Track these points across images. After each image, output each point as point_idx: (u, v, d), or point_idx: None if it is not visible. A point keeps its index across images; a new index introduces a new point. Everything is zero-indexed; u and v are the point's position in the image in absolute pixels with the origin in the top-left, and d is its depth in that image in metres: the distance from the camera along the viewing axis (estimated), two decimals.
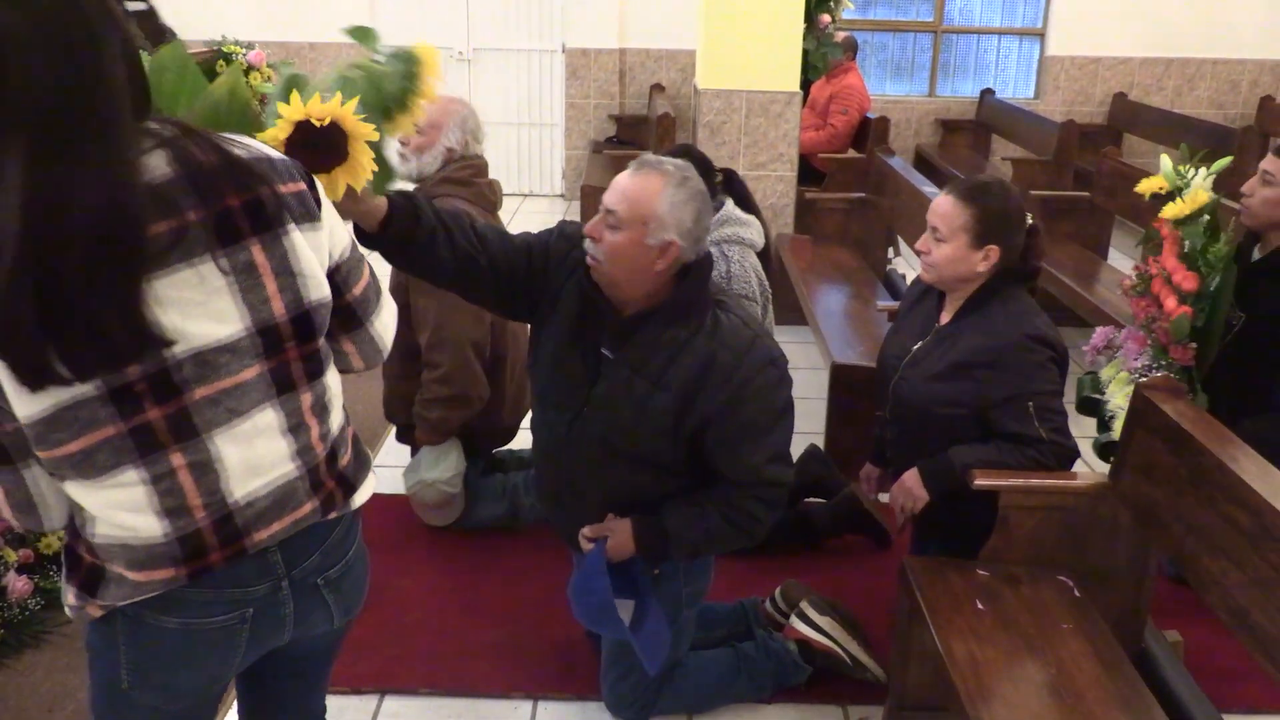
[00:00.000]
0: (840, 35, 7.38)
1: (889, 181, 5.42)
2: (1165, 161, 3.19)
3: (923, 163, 8.66)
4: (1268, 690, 2.83)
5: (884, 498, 2.97)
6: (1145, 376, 3.02)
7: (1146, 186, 3.14)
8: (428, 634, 3.04)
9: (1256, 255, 3.13)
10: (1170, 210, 3.02)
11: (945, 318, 2.71)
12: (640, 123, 8.52)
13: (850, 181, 6.16)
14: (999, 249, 2.57)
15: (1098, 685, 2.16)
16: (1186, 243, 2.99)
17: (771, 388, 2.33)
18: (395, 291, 3.43)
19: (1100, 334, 3.28)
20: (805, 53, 6.42)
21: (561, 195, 8.88)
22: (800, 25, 5.49)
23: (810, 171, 6.64)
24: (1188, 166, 3.11)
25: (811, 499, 3.60)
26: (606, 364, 2.37)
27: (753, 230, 3.20)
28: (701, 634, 2.84)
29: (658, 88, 8.58)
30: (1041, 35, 9.14)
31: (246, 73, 3.17)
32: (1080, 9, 8.91)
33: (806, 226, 5.79)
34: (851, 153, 7.05)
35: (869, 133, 6.86)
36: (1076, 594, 2.46)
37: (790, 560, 3.38)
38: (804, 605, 2.85)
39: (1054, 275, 5.13)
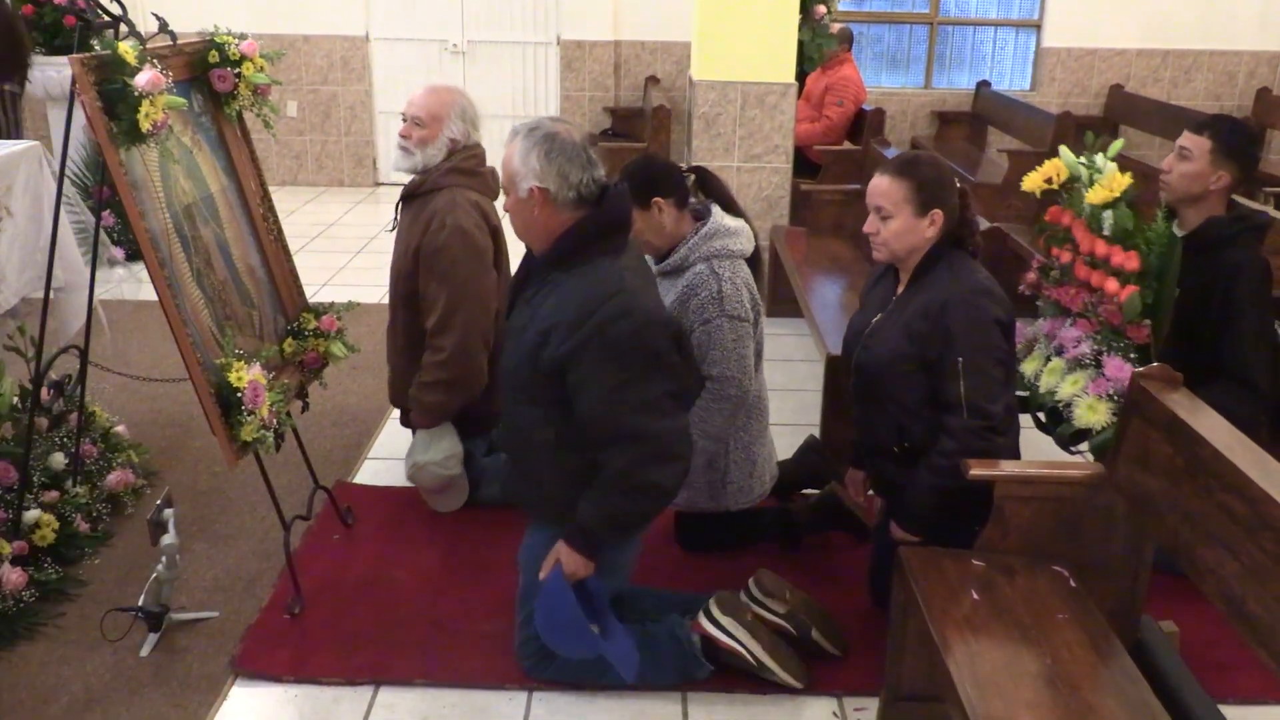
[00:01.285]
0: (836, 26, 7.37)
1: None
2: (1065, 151, 3.22)
3: None
4: (1263, 680, 2.83)
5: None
6: (1096, 363, 3.06)
7: (1032, 183, 3.18)
8: (422, 625, 3.03)
9: (1176, 231, 3.15)
10: (1096, 195, 3.07)
11: (901, 289, 2.83)
12: (635, 115, 8.51)
13: (845, 173, 6.16)
14: (942, 212, 2.70)
15: (1093, 675, 2.16)
16: (1109, 225, 3.02)
17: (624, 338, 2.41)
18: (403, 278, 3.46)
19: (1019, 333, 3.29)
20: (800, 44, 6.42)
21: None
22: (795, 16, 5.48)
23: (806, 163, 6.64)
24: (1090, 154, 3.15)
25: (809, 490, 3.60)
26: (519, 303, 2.63)
27: (742, 239, 3.15)
28: (624, 614, 2.85)
29: (653, 80, 8.56)
30: (1038, 27, 9.12)
31: (239, 62, 3.15)
32: (1076, 0, 8.89)
33: (802, 218, 5.78)
34: (847, 145, 7.05)
35: (864, 124, 6.85)
36: (1072, 584, 2.46)
37: (768, 553, 3.40)
38: (711, 604, 2.81)
39: None
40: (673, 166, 3.19)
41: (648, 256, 3.15)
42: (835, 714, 2.76)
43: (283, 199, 8.11)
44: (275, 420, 2.96)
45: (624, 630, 2.67)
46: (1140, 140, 8.87)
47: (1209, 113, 8.12)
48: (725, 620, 2.79)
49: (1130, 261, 2.96)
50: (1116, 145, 3.20)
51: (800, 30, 6.28)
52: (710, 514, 3.33)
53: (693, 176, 3.22)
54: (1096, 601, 2.42)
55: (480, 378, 3.47)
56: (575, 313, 2.43)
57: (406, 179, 3.57)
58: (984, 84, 8.98)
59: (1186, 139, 3.11)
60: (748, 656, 2.77)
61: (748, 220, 3.25)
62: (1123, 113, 8.83)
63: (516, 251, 2.90)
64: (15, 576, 3.03)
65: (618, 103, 8.71)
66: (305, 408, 3.38)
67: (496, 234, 3.55)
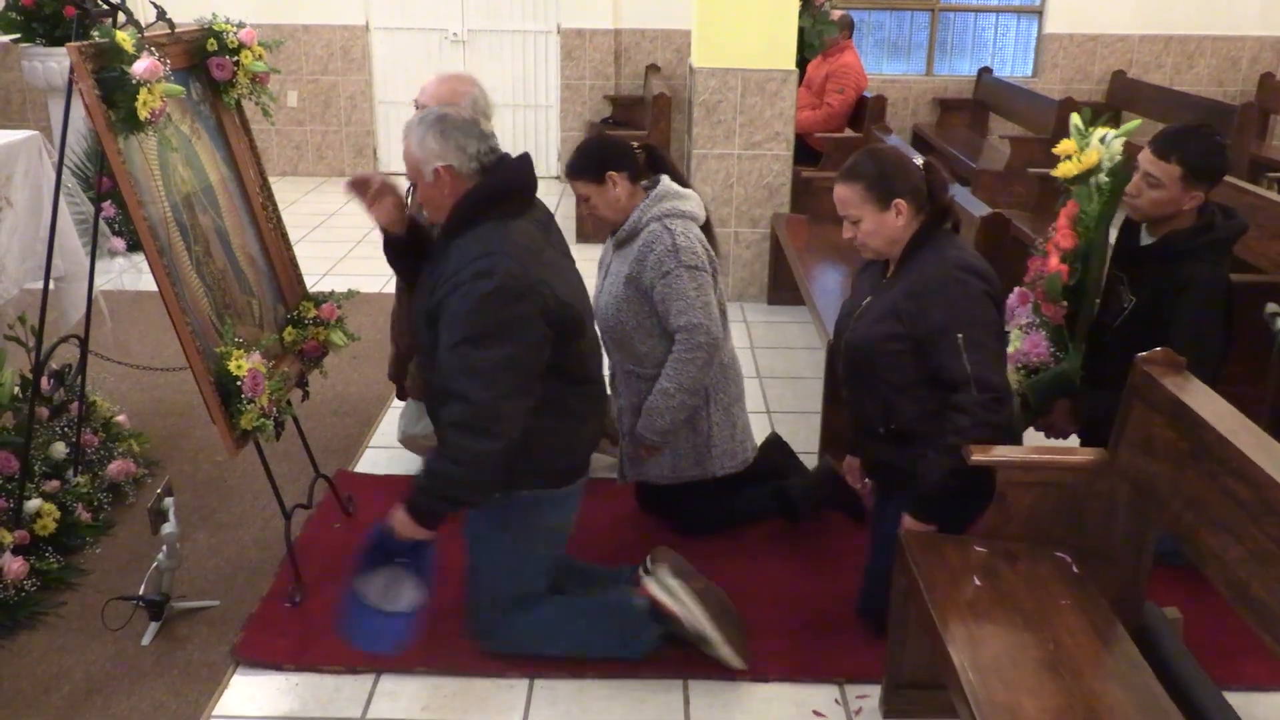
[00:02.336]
0: (836, 13, 7.35)
1: None
2: (1075, 119, 3.21)
3: (920, 142, 8.62)
4: (1267, 667, 2.82)
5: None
6: (1028, 333, 3.10)
7: (1065, 147, 3.18)
8: (423, 613, 3.02)
9: (1145, 238, 3.10)
10: (1062, 169, 3.09)
11: (889, 273, 2.81)
12: (636, 103, 8.49)
13: (847, 161, 6.13)
14: (904, 200, 2.68)
15: (1096, 661, 2.15)
16: (1078, 200, 3.07)
17: (478, 297, 2.42)
18: None
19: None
20: (801, 31, 6.39)
21: (557, 177, 8.85)
22: (796, 3, 5.46)
23: (807, 150, 6.62)
24: (1089, 127, 3.14)
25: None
26: (423, 275, 2.68)
27: (692, 203, 3.19)
28: (574, 590, 2.92)
29: (653, 68, 8.54)
30: (1039, 13, 9.09)
31: (238, 50, 3.14)
32: None
33: (803, 206, 5.76)
34: (848, 132, 7.03)
35: (865, 112, 6.83)
36: (1075, 570, 2.45)
37: (768, 539, 3.40)
38: (661, 567, 2.82)
39: None
40: (624, 142, 3.25)
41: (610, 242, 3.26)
42: (837, 701, 2.76)
43: (283, 189, 8.09)
44: (275, 409, 2.96)
45: (411, 620, 2.62)
46: (1143, 126, 8.79)
47: (1212, 98, 8.15)
48: (672, 583, 2.79)
49: (1066, 240, 2.99)
50: (1131, 125, 3.19)
51: (801, 17, 6.26)
52: (702, 495, 3.33)
53: (644, 154, 3.25)
54: (1099, 587, 2.41)
55: None
56: (453, 267, 2.48)
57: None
58: (986, 70, 8.95)
59: (1154, 166, 2.93)
60: (689, 625, 2.75)
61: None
62: (1125, 99, 8.79)
63: None
64: (17, 566, 3.03)
65: (618, 91, 8.69)
66: (306, 396, 3.37)
67: None
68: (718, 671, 2.82)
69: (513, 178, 2.63)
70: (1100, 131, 3.13)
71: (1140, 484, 2.39)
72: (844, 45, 7.22)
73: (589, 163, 3.15)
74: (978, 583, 2.40)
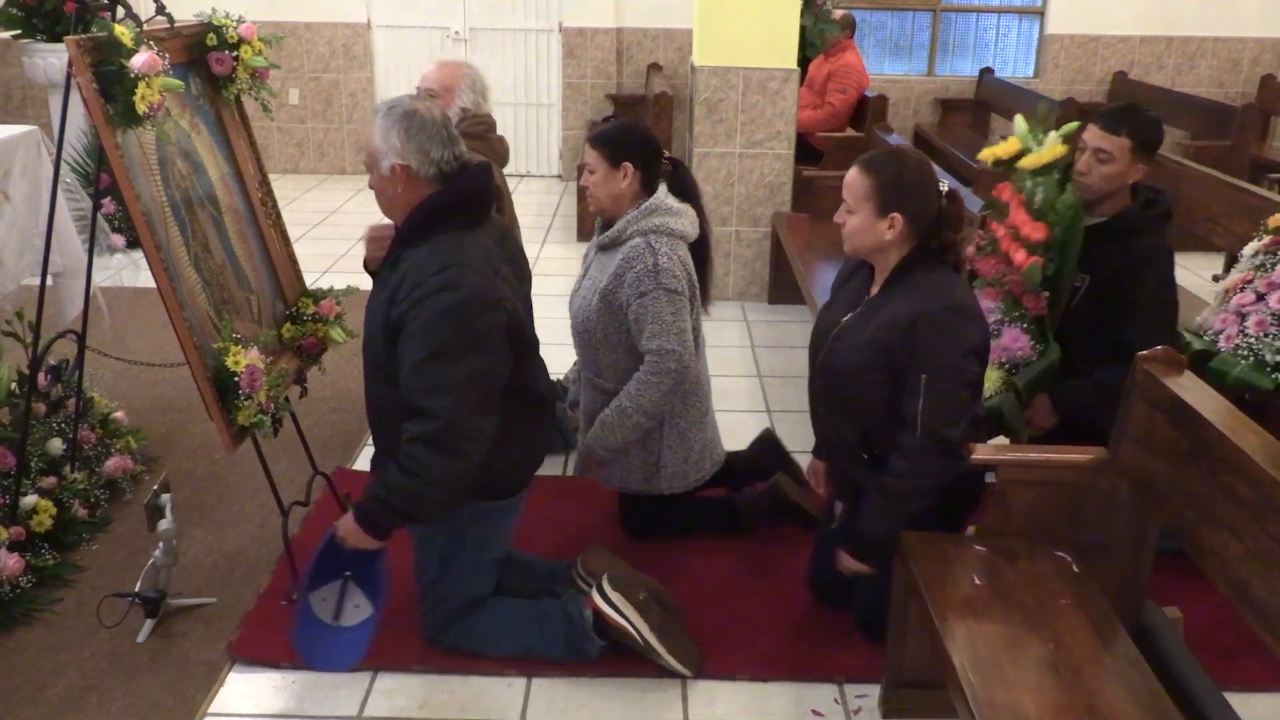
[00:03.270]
0: (838, 13, 7.33)
1: None
2: (1020, 122, 3.24)
3: (922, 142, 8.61)
4: (1268, 668, 2.81)
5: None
6: (997, 331, 3.11)
7: (993, 153, 3.22)
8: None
9: (1086, 220, 3.13)
10: (1028, 160, 3.10)
11: (874, 290, 2.71)
12: (637, 102, 8.48)
13: (848, 160, 6.05)
14: (902, 217, 2.56)
15: (1096, 660, 2.14)
16: (1037, 197, 3.07)
17: (443, 310, 2.37)
18: None
19: None
20: (803, 30, 6.38)
21: (559, 176, 8.84)
22: (798, 1, 5.44)
23: (808, 150, 6.61)
24: (1038, 131, 3.18)
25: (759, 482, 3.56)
26: (377, 282, 2.63)
27: (684, 220, 3.12)
28: (518, 584, 2.94)
29: (655, 67, 8.53)
30: (1041, 13, 9.08)
31: (237, 45, 3.13)
32: None
33: (804, 204, 5.75)
34: (849, 131, 7.02)
35: (867, 111, 6.82)
36: (1075, 569, 2.44)
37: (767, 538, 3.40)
38: (604, 580, 2.82)
39: None
40: (660, 147, 3.18)
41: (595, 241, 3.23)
42: (836, 700, 2.75)
43: (284, 187, 8.11)
44: (273, 405, 2.95)
45: (363, 635, 2.65)
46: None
47: (1213, 99, 8.14)
48: (615, 597, 2.77)
49: (1037, 232, 3.00)
50: (1070, 126, 3.21)
51: (802, 16, 6.24)
52: (652, 499, 3.32)
53: (670, 167, 3.20)
54: (1099, 586, 2.40)
55: None
56: (413, 279, 2.42)
57: None
58: (987, 71, 8.94)
59: (1103, 140, 3.02)
60: (635, 636, 2.75)
61: (700, 210, 3.23)
62: (1127, 99, 8.75)
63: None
64: (12, 562, 3.02)
65: (620, 90, 8.68)
66: (304, 393, 3.36)
67: (500, 194, 3.64)
68: (716, 670, 2.81)
69: (472, 188, 2.57)
70: (1039, 133, 3.19)
71: (1141, 482, 2.38)
72: (845, 45, 7.22)
73: (617, 142, 3.08)
74: (978, 581, 2.39)
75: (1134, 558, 2.50)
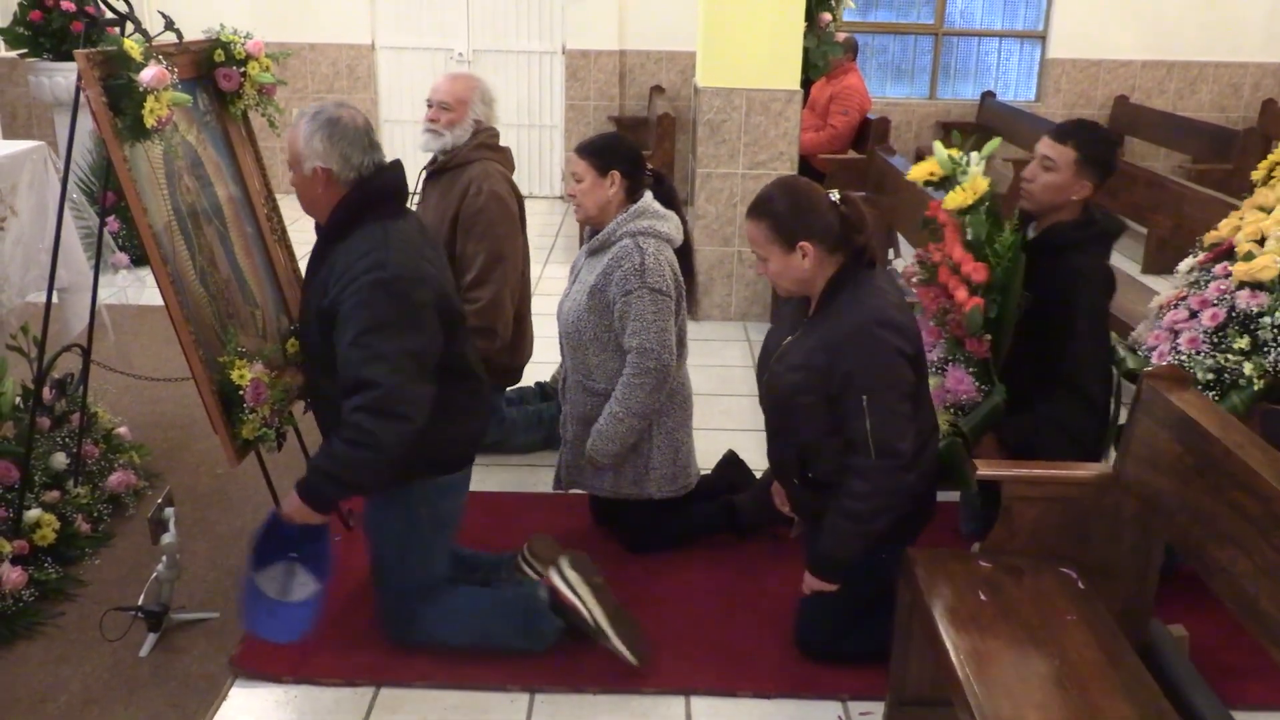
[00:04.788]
0: (841, 35, 7.37)
1: (889, 180, 5.41)
2: (938, 147, 3.23)
3: None
4: (1274, 688, 2.80)
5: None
6: (942, 371, 3.10)
7: (918, 173, 3.20)
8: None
9: (1031, 234, 3.14)
10: (953, 200, 3.09)
11: (810, 313, 2.73)
12: (640, 124, 8.51)
13: (850, 182, 6.13)
14: (810, 243, 2.59)
15: (1102, 676, 2.13)
16: (969, 231, 3.03)
17: (373, 288, 2.49)
18: (439, 243, 3.61)
19: None
20: (805, 52, 6.40)
21: (561, 197, 8.87)
22: (801, 23, 5.47)
23: (810, 172, 6.63)
24: (961, 154, 3.18)
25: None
26: (311, 281, 2.72)
27: (670, 225, 3.19)
28: (465, 577, 3.00)
29: (657, 89, 8.57)
30: (1042, 38, 9.12)
31: (245, 61, 3.15)
32: (1081, 11, 8.90)
33: None
34: (851, 153, 7.04)
35: (869, 133, 6.84)
36: (1080, 585, 2.43)
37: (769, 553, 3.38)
38: (562, 561, 2.89)
39: None
40: (643, 157, 3.27)
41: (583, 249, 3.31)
42: (840, 717, 2.73)
43: (289, 207, 8.10)
44: (277, 419, 2.95)
45: (310, 608, 2.70)
46: (1146, 151, 8.88)
47: (1215, 123, 8.16)
48: (572, 576, 2.84)
49: (978, 273, 2.97)
50: (992, 145, 3.22)
51: (805, 38, 6.27)
52: (646, 513, 3.34)
53: (652, 178, 3.27)
54: (1105, 603, 2.39)
55: (507, 329, 3.84)
56: (341, 268, 2.54)
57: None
58: (989, 94, 8.98)
59: (1050, 148, 3.03)
60: (586, 617, 2.80)
61: (683, 219, 3.30)
62: (1128, 124, 8.82)
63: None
64: (15, 576, 3.01)
65: (623, 112, 8.71)
66: (308, 407, 3.35)
67: (520, 202, 3.88)
68: (720, 686, 2.80)
69: (389, 182, 2.69)
70: (960, 155, 3.19)
71: (1146, 499, 2.38)
72: (848, 67, 7.26)
73: (604, 151, 3.17)
74: (982, 598, 2.38)
75: (1139, 575, 2.50)
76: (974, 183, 3.07)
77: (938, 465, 2.88)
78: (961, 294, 3.00)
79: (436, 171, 3.85)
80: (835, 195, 2.65)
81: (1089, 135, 3.04)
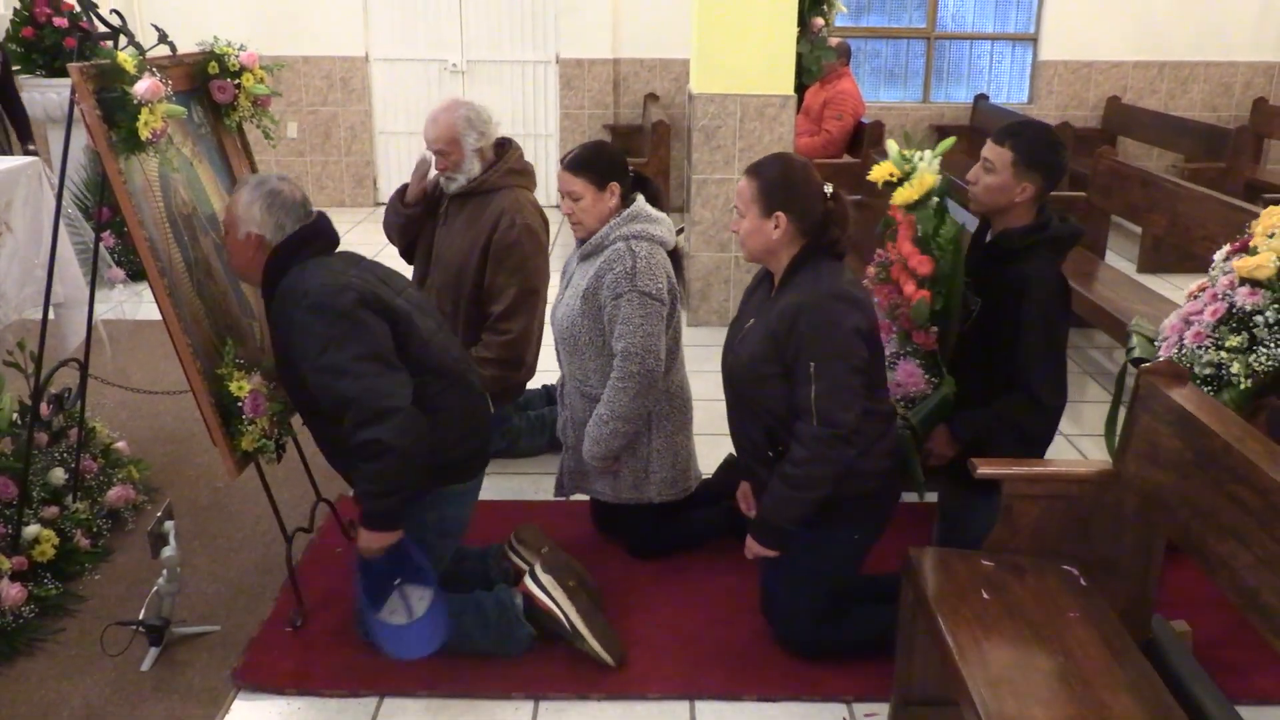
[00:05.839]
0: (834, 40, 7.38)
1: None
2: (892, 146, 3.25)
3: None
4: (1278, 681, 2.79)
5: None
6: (894, 365, 3.12)
7: (878, 174, 3.21)
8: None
9: (990, 237, 3.15)
10: (900, 195, 3.10)
11: (774, 290, 2.78)
12: (635, 132, 8.52)
13: (844, 186, 6.08)
14: (785, 215, 2.66)
15: (1106, 672, 2.13)
16: (919, 227, 3.05)
17: (305, 312, 2.59)
18: (470, 271, 3.78)
19: None
20: (799, 57, 6.42)
21: (556, 206, 8.86)
22: (794, 28, 5.48)
23: None
24: (913, 151, 3.18)
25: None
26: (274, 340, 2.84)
27: (662, 228, 3.19)
28: (452, 568, 3.02)
29: (652, 97, 8.58)
30: (1034, 40, 9.14)
31: (239, 73, 3.15)
32: (1072, 13, 8.92)
33: None
34: (846, 158, 7.05)
35: (863, 138, 6.85)
36: (1083, 582, 2.43)
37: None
38: (537, 565, 2.93)
39: None
40: (627, 161, 3.28)
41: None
42: (845, 719, 2.73)
43: None
44: (276, 430, 2.95)
45: (442, 610, 2.73)
46: (1139, 151, 8.90)
47: (1206, 123, 8.18)
48: (545, 580, 2.88)
49: (923, 266, 2.99)
50: (946, 144, 3.22)
51: (799, 43, 6.28)
52: (647, 517, 3.35)
53: (637, 183, 3.28)
54: (1107, 600, 2.39)
55: (533, 357, 3.98)
56: (279, 310, 2.69)
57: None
58: (982, 97, 9.00)
59: (990, 150, 3.03)
60: (563, 620, 2.85)
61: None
62: (1121, 124, 8.84)
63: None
64: (15, 592, 3.01)
65: (617, 120, 8.73)
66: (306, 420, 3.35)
67: (547, 227, 3.95)
68: (725, 691, 2.79)
69: (312, 230, 2.78)
70: (916, 153, 3.18)
71: (1147, 494, 2.38)
72: (842, 72, 7.27)
73: (600, 166, 3.14)
74: (986, 596, 2.38)
75: (1141, 571, 2.50)
76: (921, 179, 3.08)
77: (898, 453, 2.91)
78: (910, 288, 3.04)
79: (463, 194, 3.83)
80: (829, 189, 2.71)
81: (1027, 136, 3.02)
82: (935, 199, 3.07)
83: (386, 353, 2.63)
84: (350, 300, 2.61)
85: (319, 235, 2.79)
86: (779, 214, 2.66)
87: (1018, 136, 3.01)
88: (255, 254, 2.74)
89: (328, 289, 2.61)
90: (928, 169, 3.10)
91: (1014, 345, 2.97)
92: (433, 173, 3.88)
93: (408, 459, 2.57)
